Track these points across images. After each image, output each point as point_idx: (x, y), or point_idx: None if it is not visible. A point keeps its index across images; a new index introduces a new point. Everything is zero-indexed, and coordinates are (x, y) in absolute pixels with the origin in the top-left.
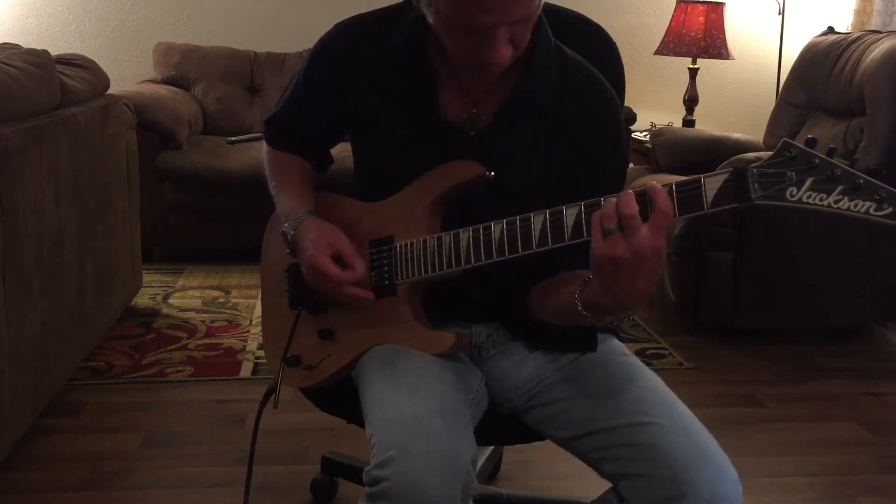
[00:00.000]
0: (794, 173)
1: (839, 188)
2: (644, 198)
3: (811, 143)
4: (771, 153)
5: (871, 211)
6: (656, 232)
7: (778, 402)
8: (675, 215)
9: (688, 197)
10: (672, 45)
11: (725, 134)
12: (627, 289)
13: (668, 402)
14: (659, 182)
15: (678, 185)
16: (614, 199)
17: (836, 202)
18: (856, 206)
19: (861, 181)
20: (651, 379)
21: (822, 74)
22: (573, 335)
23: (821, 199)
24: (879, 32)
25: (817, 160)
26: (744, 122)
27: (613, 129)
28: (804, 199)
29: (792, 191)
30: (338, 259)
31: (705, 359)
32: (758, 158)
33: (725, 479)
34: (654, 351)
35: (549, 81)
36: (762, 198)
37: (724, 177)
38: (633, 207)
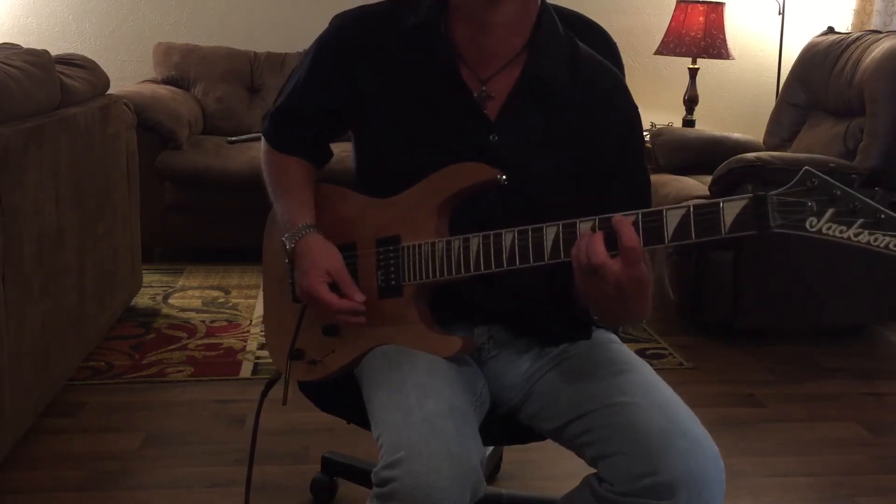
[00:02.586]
0: (814, 204)
1: (860, 221)
2: (612, 232)
3: (833, 172)
4: (771, 152)
5: (892, 246)
6: (629, 265)
7: (778, 402)
8: (641, 246)
9: (705, 220)
10: (672, 45)
11: (725, 134)
12: (619, 311)
13: (649, 383)
14: (665, 184)
15: (696, 207)
16: (584, 243)
17: (856, 235)
18: (875, 240)
19: (882, 215)
20: (635, 363)
21: (822, 74)
22: (569, 327)
23: (840, 232)
24: (879, 32)
25: (839, 191)
26: (744, 122)
27: (628, 113)
28: (824, 231)
29: (812, 221)
30: (334, 286)
31: (705, 359)
32: (758, 158)
33: (702, 452)
34: (654, 351)
35: (560, 65)
36: (781, 227)
37: (743, 202)
38: (600, 256)
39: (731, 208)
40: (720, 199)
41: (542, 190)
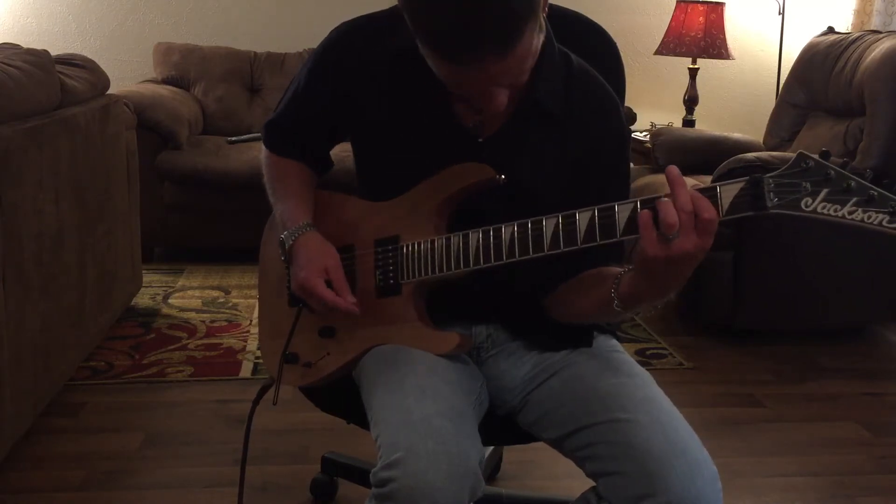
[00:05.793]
0: (809, 184)
1: (853, 200)
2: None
3: (826, 155)
4: (771, 152)
5: (884, 223)
6: (703, 234)
7: (778, 402)
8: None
9: None
10: (672, 45)
11: (725, 134)
12: (673, 281)
13: (650, 398)
14: (665, 183)
15: (695, 191)
16: (670, 206)
17: (850, 213)
18: (869, 217)
19: (875, 193)
20: (637, 374)
21: (822, 74)
22: (570, 332)
23: (835, 210)
24: (879, 32)
25: (832, 172)
26: (744, 122)
27: (618, 134)
28: (819, 210)
29: (807, 201)
30: (328, 285)
31: (705, 359)
32: (757, 158)
33: (700, 474)
34: (654, 351)
35: (555, 87)
36: (778, 207)
37: (740, 185)
38: (690, 205)
39: (729, 191)
40: (717, 183)
41: (544, 200)
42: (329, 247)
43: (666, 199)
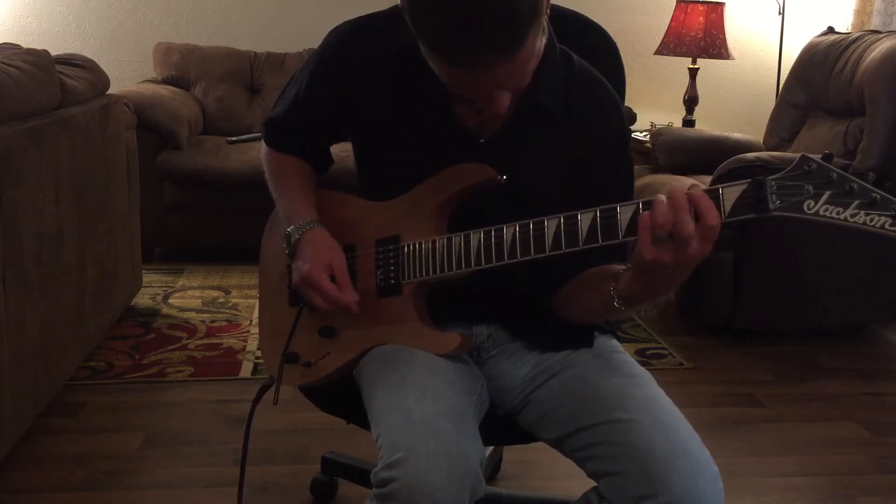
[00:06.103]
0: (811, 187)
1: (855, 202)
2: (692, 207)
3: (828, 157)
4: (771, 152)
5: (887, 226)
6: (704, 241)
7: (778, 402)
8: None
9: None
10: (672, 45)
11: (725, 134)
12: (670, 282)
13: (651, 399)
14: (665, 183)
15: None
16: (667, 211)
17: (853, 216)
18: (871, 220)
19: (877, 196)
20: (637, 374)
21: (822, 74)
22: (571, 332)
23: (837, 213)
24: (879, 32)
25: (835, 175)
26: (744, 122)
27: (619, 134)
28: (821, 213)
29: (809, 203)
30: (331, 279)
31: (705, 359)
32: (758, 158)
33: (702, 474)
34: (654, 351)
35: (556, 88)
36: (780, 209)
37: (742, 187)
38: (689, 229)
39: (731, 193)
40: (719, 185)
41: (544, 201)
42: (335, 244)
43: (662, 198)
